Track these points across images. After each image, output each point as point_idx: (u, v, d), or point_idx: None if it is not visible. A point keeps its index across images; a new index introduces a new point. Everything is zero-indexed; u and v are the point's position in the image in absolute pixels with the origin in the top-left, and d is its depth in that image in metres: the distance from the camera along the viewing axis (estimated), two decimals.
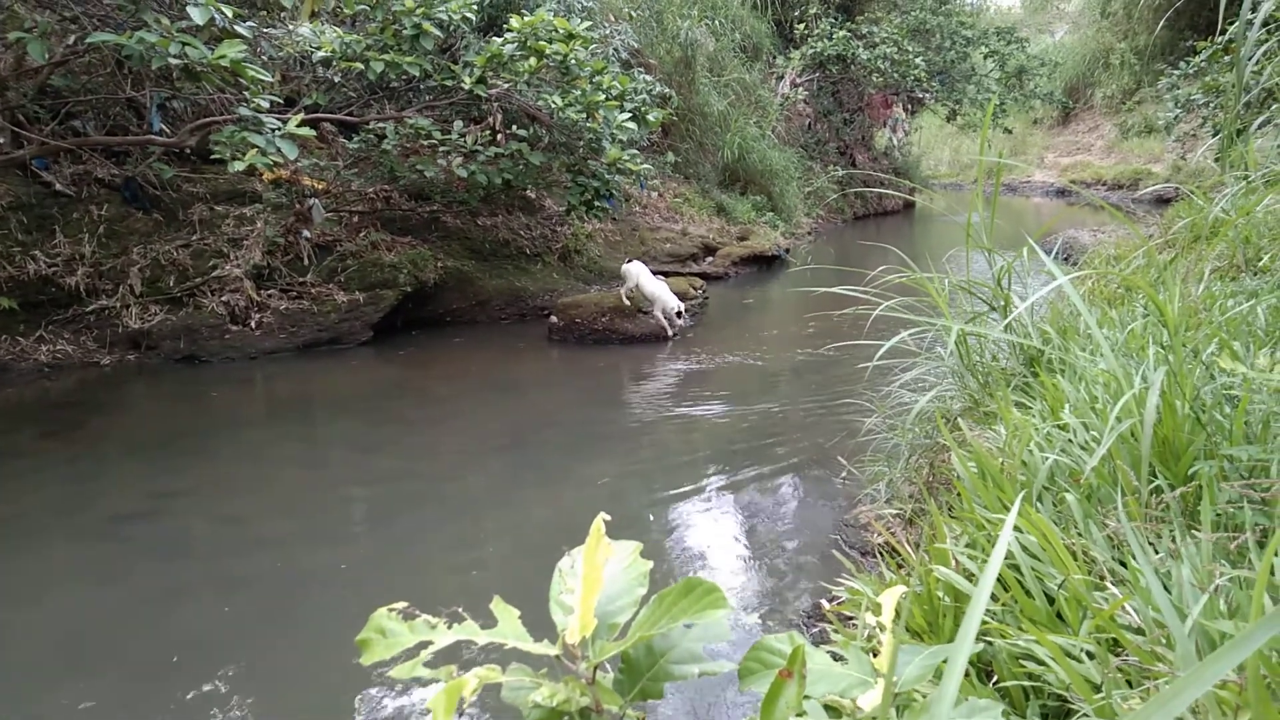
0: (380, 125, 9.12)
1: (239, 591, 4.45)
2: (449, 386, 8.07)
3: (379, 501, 5.64)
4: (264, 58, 7.77)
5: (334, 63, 8.36)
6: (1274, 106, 5.35)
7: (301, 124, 6.63)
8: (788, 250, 14.73)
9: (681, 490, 5.57)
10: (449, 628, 0.86)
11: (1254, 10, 3.90)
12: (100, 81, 8.37)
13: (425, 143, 8.98)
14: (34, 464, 6.07)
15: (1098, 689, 1.41)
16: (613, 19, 12.96)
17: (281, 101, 7.66)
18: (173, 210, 8.85)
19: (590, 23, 9.53)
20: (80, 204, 8.46)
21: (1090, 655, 1.49)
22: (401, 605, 0.87)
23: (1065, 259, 11.33)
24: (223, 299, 8.51)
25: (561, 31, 8.54)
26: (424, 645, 0.84)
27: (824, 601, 3.87)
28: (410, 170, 9.20)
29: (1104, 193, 24.57)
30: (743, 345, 9.05)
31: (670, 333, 9.07)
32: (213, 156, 6.89)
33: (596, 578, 0.89)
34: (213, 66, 5.87)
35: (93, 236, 8.32)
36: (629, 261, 9.50)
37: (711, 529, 5.08)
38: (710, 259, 13.24)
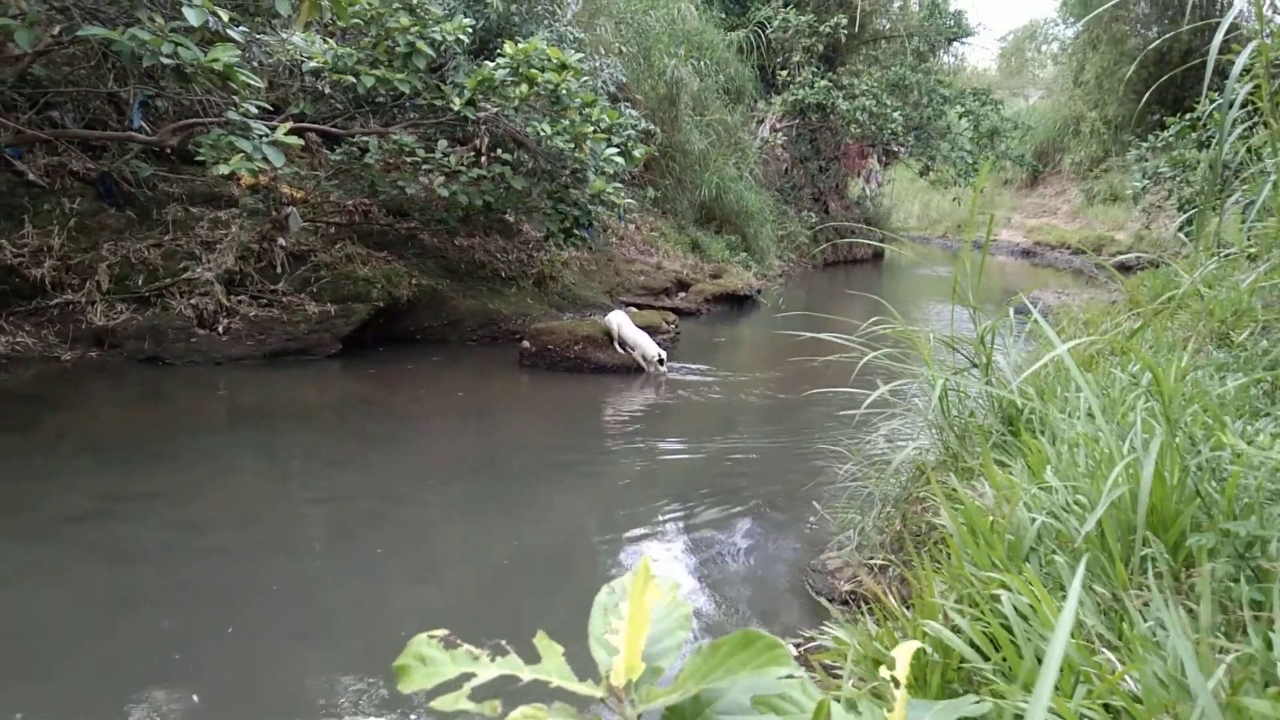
0: (364, 139, 9.09)
1: (190, 601, 4.35)
2: (416, 405, 7.99)
3: (338, 518, 5.55)
4: (254, 63, 7.73)
5: (324, 74, 8.34)
6: (1243, 186, 5.51)
7: (289, 133, 6.59)
8: (760, 291, 14.86)
9: (644, 526, 5.54)
10: (492, 660, 0.84)
11: (1235, 93, 4.03)
12: (83, 74, 8.27)
13: (408, 159, 8.97)
14: None
15: None
16: (602, 52, 13.08)
17: (270, 108, 7.60)
18: (147, 209, 8.73)
19: (581, 54, 9.61)
20: (52, 196, 8.32)
21: None
22: (442, 632, 0.86)
23: (1026, 320, 11.50)
24: (191, 302, 8.39)
25: (554, 61, 8.60)
26: (465, 677, 0.82)
27: (790, 646, 3.85)
28: (391, 185, 9.17)
29: (1068, 256, 25.14)
30: (714, 383, 9.08)
31: (655, 373, 9.02)
32: (196, 158, 6.81)
33: (644, 618, 0.88)
34: (204, 69, 5.82)
35: (63, 229, 8.18)
36: (611, 312, 9.49)
37: (674, 566, 5.06)
38: (683, 294, 13.31)
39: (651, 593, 0.90)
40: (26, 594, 4.35)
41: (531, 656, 0.87)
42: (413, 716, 3.51)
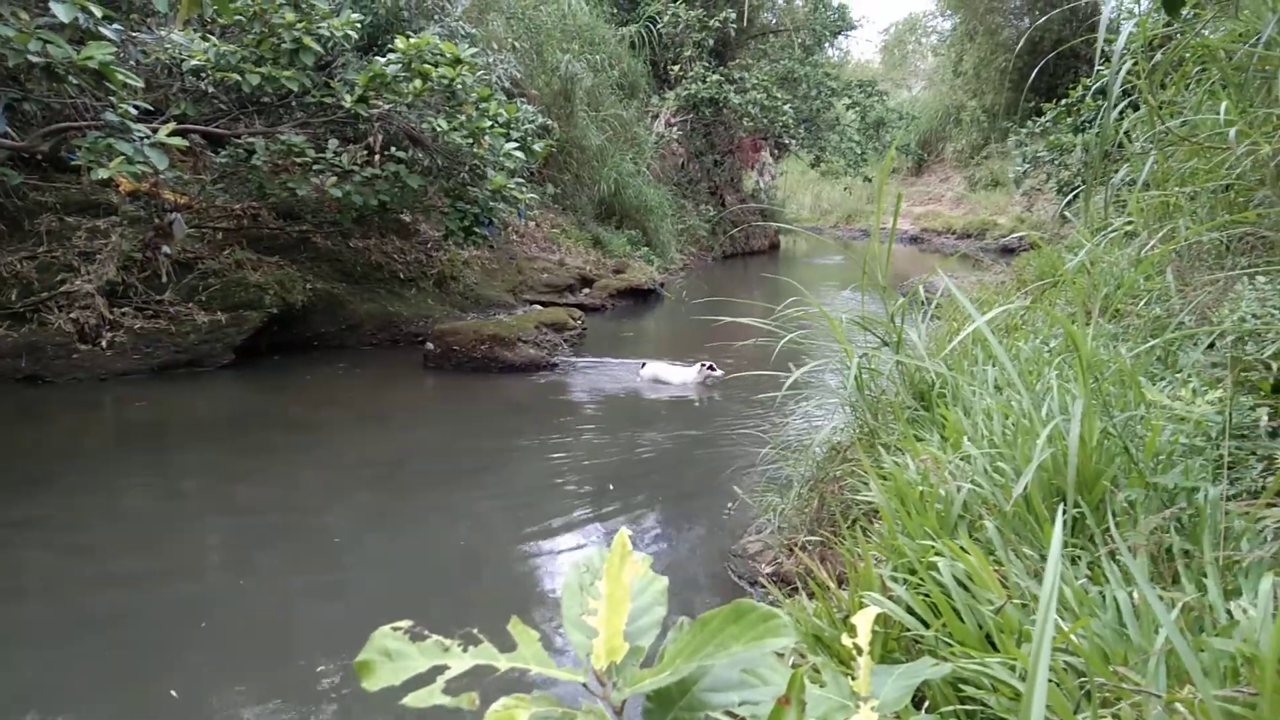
0: (251, 140, 8.75)
1: (88, 631, 4.10)
2: (317, 414, 7.73)
3: (239, 535, 5.32)
4: (131, 62, 7.36)
5: (206, 73, 7.98)
6: (1124, 167, 5.77)
7: (172, 134, 6.29)
8: (662, 284, 14.92)
9: (561, 524, 5.47)
10: (464, 650, 0.78)
11: (1114, 78, 4.20)
12: None
13: (298, 160, 8.67)
14: None
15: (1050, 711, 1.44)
16: (495, 47, 12.92)
17: (149, 109, 7.24)
18: (17, 219, 8.21)
19: (476, 49, 9.46)
20: None
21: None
22: (406, 624, 0.79)
23: (929, 301, 11.85)
24: (71, 315, 7.92)
25: (448, 56, 8.43)
26: (438, 670, 0.76)
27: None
28: (281, 188, 8.85)
29: (954, 241, 26.02)
30: (622, 376, 9.06)
31: (712, 383, 8.74)
32: (71, 164, 6.43)
33: (623, 597, 0.83)
34: (78, 68, 5.50)
35: None
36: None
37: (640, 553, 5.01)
38: (587, 290, 13.26)
39: (630, 568, 0.86)
40: None
41: (505, 645, 0.82)
42: None
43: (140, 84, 6.50)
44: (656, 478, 6.27)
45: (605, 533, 5.37)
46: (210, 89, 8.50)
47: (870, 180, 27.92)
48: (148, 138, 6.23)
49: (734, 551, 4.86)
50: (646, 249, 16.52)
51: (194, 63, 7.89)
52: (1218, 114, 4.01)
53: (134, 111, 6.34)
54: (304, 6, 8.10)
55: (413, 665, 0.76)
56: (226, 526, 5.46)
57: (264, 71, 7.82)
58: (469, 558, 5.09)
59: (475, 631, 0.82)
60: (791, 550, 4.03)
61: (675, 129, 20.25)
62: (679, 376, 8.73)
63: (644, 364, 9.00)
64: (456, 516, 5.67)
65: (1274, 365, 2.39)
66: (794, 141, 23.21)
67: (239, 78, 7.80)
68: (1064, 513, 2.05)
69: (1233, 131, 3.36)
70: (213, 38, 8.15)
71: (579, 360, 9.59)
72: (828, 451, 4.38)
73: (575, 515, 5.59)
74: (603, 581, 0.86)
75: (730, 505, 5.42)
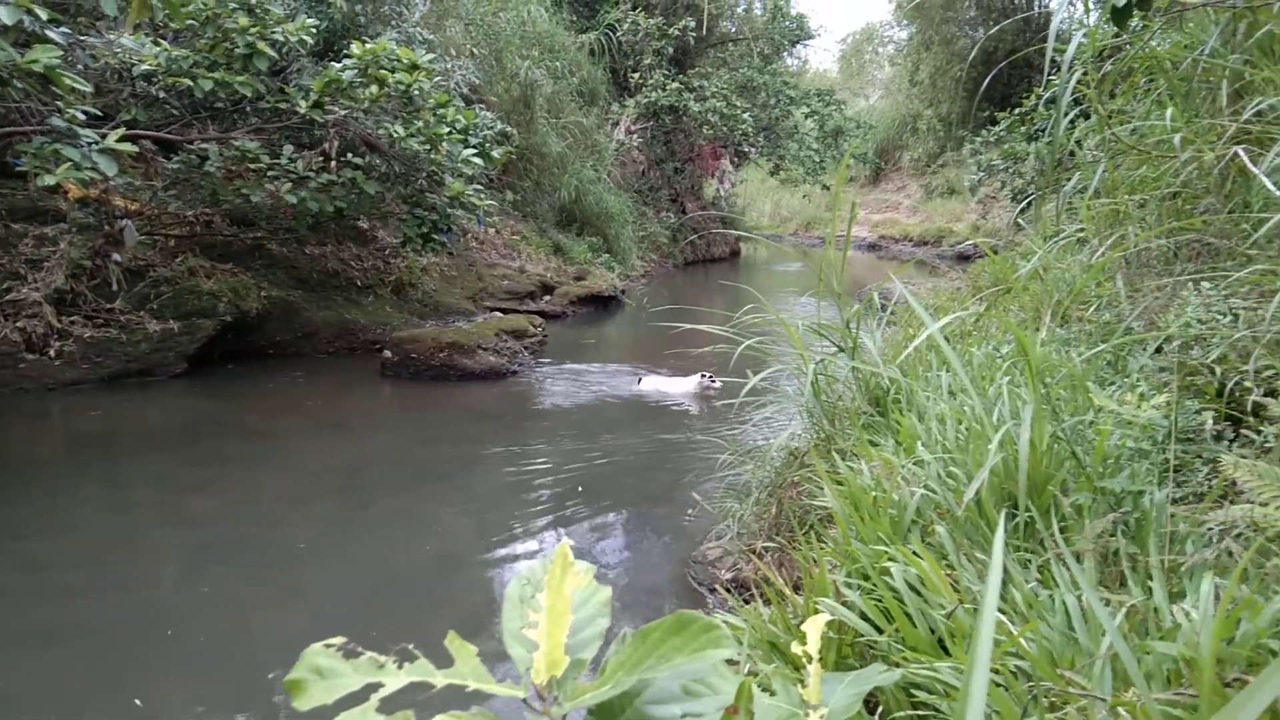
0: (204, 145, 8.60)
1: (47, 643, 4.00)
2: (273, 423, 7.62)
3: (195, 546, 5.21)
4: (79, 66, 7.21)
5: (157, 78, 7.84)
6: (1074, 174, 5.86)
7: (121, 140, 6.16)
8: (624, 291, 14.92)
9: (521, 532, 5.45)
10: (399, 667, 0.76)
11: (1063, 90, 4.27)
12: None
13: (252, 166, 8.55)
14: None
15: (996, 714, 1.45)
16: (453, 53, 12.85)
17: (99, 114, 7.08)
18: None
19: (432, 55, 9.39)
20: None
21: (997, 684, 1.53)
22: (340, 640, 0.77)
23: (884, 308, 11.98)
24: (18, 324, 7.72)
25: (405, 61, 8.37)
26: (372, 688, 0.74)
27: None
28: (234, 194, 8.71)
29: (911, 248, 26.31)
30: (584, 383, 9.04)
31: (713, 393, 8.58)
32: (16, 169, 6.28)
33: (564, 609, 0.81)
34: (23, 71, 5.37)
35: None
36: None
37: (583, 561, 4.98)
38: (548, 297, 13.22)
39: (571, 580, 0.84)
40: None
41: (442, 661, 0.80)
42: None
43: (89, 89, 6.37)
44: (618, 484, 6.25)
45: (576, 539, 5.34)
46: (162, 94, 8.35)
47: (829, 188, 28.19)
48: (96, 143, 6.11)
49: (694, 558, 4.86)
50: (608, 256, 16.52)
51: (145, 67, 7.74)
52: (1165, 122, 4.09)
53: (82, 117, 6.21)
54: (258, 11, 7.99)
55: (346, 683, 0.74)
56: (183, 537, 5.35)
57: (217, 76, 7.70)
58: (430, 566, 5.04)
59: (411, 647, 0.80)
60: (751, 556, 4.03)
61: (636, 136, 20.27)
62: (679, 387, 8.71)
63: (640, 379, 8.97)
64: (417, 524, 5.62)
65: (1218, 370, 2.44)
66: (753, 149, 23.34)
67: (191, 83, 7.67)
68: (1013, 518, 2.07)
69: (1178, 138, 3.43)
70: (164, 42, 8.01)
71: (545, 365, 9.56)
72: (786, 457, 4.40)
73: (537, 522, 5.56)
74: (544, 594, 0.84)
75: (690, 512, 5.42)
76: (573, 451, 6.96)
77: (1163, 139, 4.00)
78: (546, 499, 5.94)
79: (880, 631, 1.92)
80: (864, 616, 2.00)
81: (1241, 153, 3.44)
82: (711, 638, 0.75)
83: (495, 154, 9.69)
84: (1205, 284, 3.13)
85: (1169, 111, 3.82)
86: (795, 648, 1.28)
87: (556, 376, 9.31)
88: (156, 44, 7.91)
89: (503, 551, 5.21)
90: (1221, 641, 1.34)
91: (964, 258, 19.74)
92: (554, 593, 0.83)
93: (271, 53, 7.98)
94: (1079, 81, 5.03)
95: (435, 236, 9.54)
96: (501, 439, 7.28)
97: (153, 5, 6.41)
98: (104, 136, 6.18)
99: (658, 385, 8.82)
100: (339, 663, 0.76)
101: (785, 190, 33.12)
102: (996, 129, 15.23)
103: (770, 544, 3.79)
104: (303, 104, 8.23)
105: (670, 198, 22.07)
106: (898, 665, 1.72)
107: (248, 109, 8.67)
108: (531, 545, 5.25)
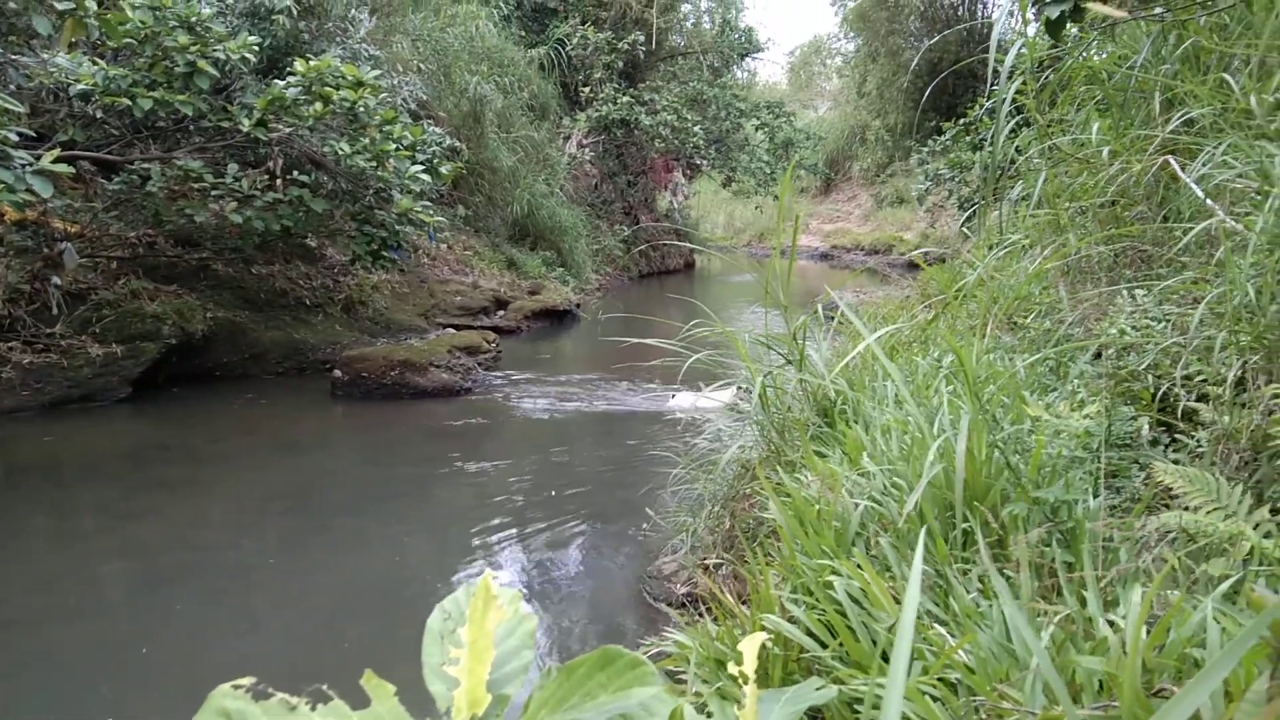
0: (145, 166, 8.44)
1: None
2: (221, 446, 7.47)
3: (143, 575, 5.09)
4: (12, 86, 7.04)
5: (95, 97, 7.68)
6: (1017, 182, 5.96)
7: (58, 160, 6.03)
8: (579, 305, 14.90)
9: (476, 552, 5.40)
10: (312, 709, 0.74)
11: (1002, 100, 4.34)
12: None
13: (196, 186, 8.41)
14: None
15: None
16: (400, 69, 12.77)
17: (33, 135, 6.92)
18: None
19: (379, 71, 9.33)
20: None
21: (935, 698, 1.54)
22: (248, 681, 0.74)
23: (830, 318, 12.10)
24: None
25: (350, 78, 8.29)
26: None
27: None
28: (178, 214, 8.56)
29: (863, 257, 26.63)
30: (539, 399, 8.99)
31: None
32: None
33: (486, 645, 0.79)
34: None
35: None
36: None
37: (510, 587, 4.94)
38: (502, 313, 13.16)
39: (494, 613, 0.82)
40: None
41: (360, 700, 0.77)
42: None
43: (23, 109, 6.24)
44: (576, 499, 6.22)
45: (525, 560, 5.31)
46: (99, 114, 8.19)
47: (777, 198, 28.42)
48: (30, 164, 5.96)
49: (650, 573, 4.85)
50: (562, 270, 16.50)
51: (81, 87, 7.57)
52: (1099, 132, 4.18)
53: (14, 138, 6.06)
54: (199, 29, 7.87)
55: None
56: (132, 564, 5.22)
57: (157, 95, 7.57)
58: (387, 589, 4.97)
59: (325, 688, 0.78)
60: (705, 570, 4.03)
61: (588, 150, 20.30)
62: (714, 401, 8.68)
63: (673, 395, 8.92)
64: (372, 546, 5.54)
65: (1150, 377, 2.48)
66: (705, 162, 23.48)
67: (130, 102, 7.53)
68: (955, 527, 2.08)
69: (1105, 151, 3.50)
70: (101, 61, 7.85)
71: (499, 381, 9.49)
72: (738, 469, 4.41)
73: (494, 540, 5.51)
74: (465, 628, 0.82)
75: (646, 526, 5.40)
76: (529, 467, 6.92)
77: (1095, 150, 4.08)
78: (504, 516, 5.90)
79: (825, 646, 1.92)
80: (809, 632, 2.00)
81: (1173, 161, 3.52)
82: (637, 674, 0.74)
83: (444, 169, 9.63)
84: (1140, 291, 3.20)
85: (1095, 126, 3.90)
86: (732, 668, 1.28)
87: (511, 392, 9.25)
88: (95, 63, 7.76)
89: (462, 573, 5.15)
90: (1153, 650, 1.35)
91: (914, 266, 19.99)
92: (476, 627, 0.81)
93: (213, 71, 7.86)
94: (1019, 91, 5.13)
95: (385, 253, 9.45)
96: (456, 457, 7.21)
97: (88, 24, 6.31)
98: (39, 158, 6.04)
99: (693, 402, 8.79)
100: (248, 705, 0.73)
101: (738, 202, 33.41)
102: (942, 139, 15.48)
103: (722, 559, 3.79)
104: (246, 122, 8.11)
105: (624, 211, 22.11)
106: (841, 681, 1.72)
107: (190, 128, 8.54)
108: (491, 563, 5.21)
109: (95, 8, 6.60)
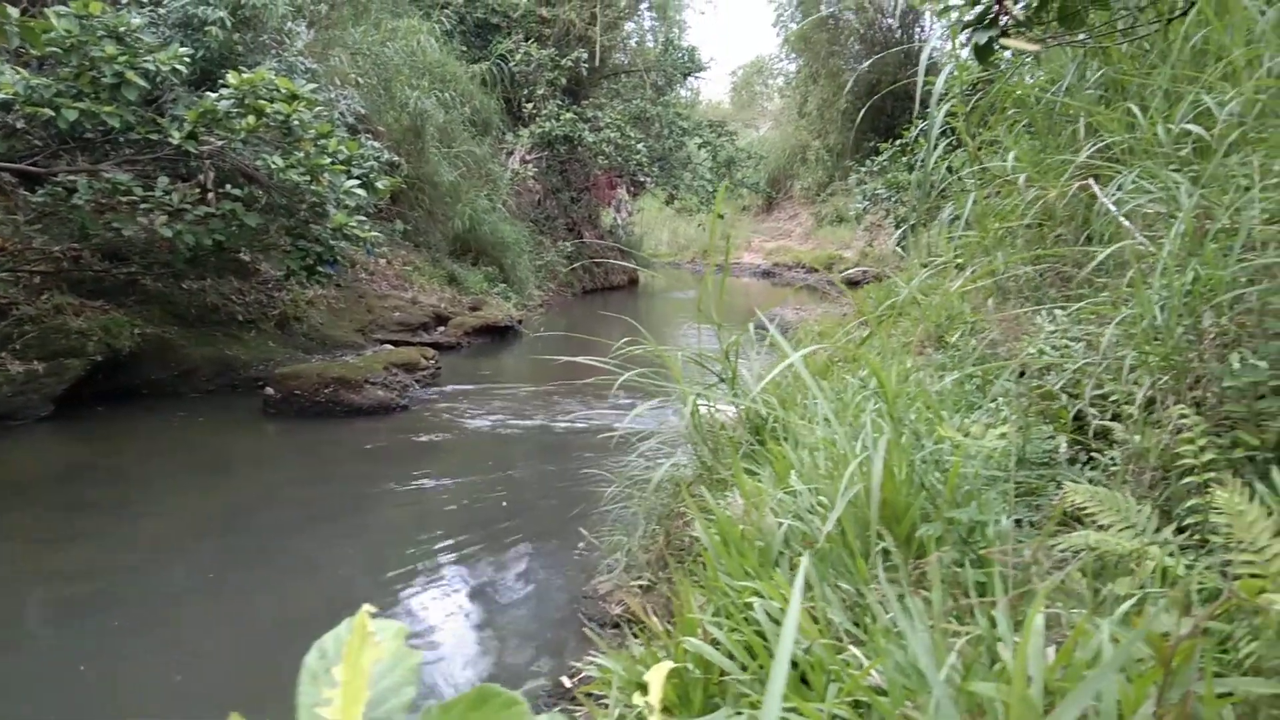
0: (70, 178, 8.22)
1: None
2: (148, 466, 7.27)
3: (63, 601, 4.91)
4: None
5: (16, 106, 7.46)
6: (949, 202, 6.09)
7: None
8: (521, 321, 14.83)
9: (409, 569, 5.31)
10: None
11: (931, 123, 4.44)
12: None
13: (124, 199, 8.21)
14: None
15: None
16: (339, 83, 12.64)
17: None
18: None
19: (315, 85, 9.22)
20: None
21: None
22: None
23: (761, 337, 12.22)
24: None
25: (284, 91, 8.18)
26: None
27: (565, 679, 3.80)
28: (105, 228, 8.34)
29: (804, 274, 26.93)
30: (478, 416, 8.91)
31: None
32: None
33: (361, 685, 0.77)
34: None
35: None
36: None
37: (441, 608, 4.88)
38: (442, 329, 13.04)
39: (370, 652, 0.80)
40: None
41: None
42: None
43: None
44: (514, 517, 6.16)
45: (461, 582, 5.24)
46: (21, 124, 7.95)
47: (723, 216, 28.63)
48: None
49: (585, 593, 4.82)
50: (504, 285, 16.43)
51: (1, 96, 7.36)
52: (1022, 156, 4.29)
53: None
54: (128, 39, 7.71)
55: None
56: (56, 591, 5.02)
57: (83, 106, 7.38)
58: (322, 612, 4.86)
59: None
60: (630, 592, 4.02)
61: (531, 166, 20.28)
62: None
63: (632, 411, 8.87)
64: (306, 568, 5.43)
65: (1064, 396, 2.54)
66: (649, 179, 23.61)
67: (54, 113, 7.34)
68: (877, 545, 2.10)
69: (1022, 178, 3.59)
70: (24, 70, 7.64)
71: (437, 399, 9.39)
72: (672, 488, 4.41)
73: (431, 562, 5.43)
74: (339, 667, 0.80)
75: (581, 545, 5.38)
76: (466, 485, 6.85)
77: (1013, 175, 4.18)
78: (441, 536, 5.82)
79: (745, 669, 1.93)
80: (731, 654, 2.00)
81: (1094, 184, 3.62)
82: (512, 714, 0.73)
83: (380, 184, 9.54)
84: (1059, 311, 3.28)
85: (1011, 154, 4.00)
86: (637, 699, 1.27)
87: (449, 409, 9.16)
88: (17, 72, 7.55)
89: (396, 595, 5.06)
90: (1055, 671, 1.37)
91: (854, 283, 20.28)
92: (350, 666, 0.78)
93: (142, 82, 7.69)
94: (951, 113, 5.25)
95: (320, 269, 9.32)
96: (391, 476, 7.11)
97: (8, 31, 6.14)
98: None
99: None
100: None
101: (682, 219, 33.62)
102: (880, 159, 15.77)
103: (655, 578, 3.78)
104: (176, 134, 7.95)
105: (567, 227, 22.11)
106: (756, 706, 1.72)
107: (119, 139, 8.34)
108: (424, 585, 5.13)
109: (17, 14, 6.41)
